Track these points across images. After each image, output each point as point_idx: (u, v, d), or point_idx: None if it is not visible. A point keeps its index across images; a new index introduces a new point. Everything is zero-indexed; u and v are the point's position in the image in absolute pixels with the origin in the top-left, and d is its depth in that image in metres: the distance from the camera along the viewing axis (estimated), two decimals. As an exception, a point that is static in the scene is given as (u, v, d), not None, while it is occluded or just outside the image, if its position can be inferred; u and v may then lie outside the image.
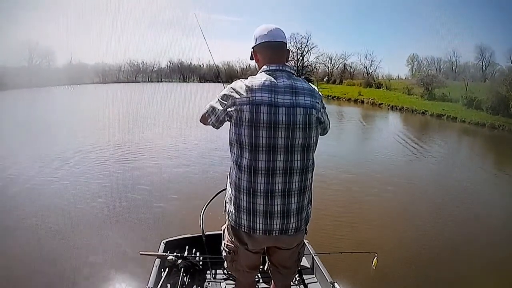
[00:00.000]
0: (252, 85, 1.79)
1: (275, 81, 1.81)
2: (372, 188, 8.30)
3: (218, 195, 2.89)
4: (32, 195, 7.46)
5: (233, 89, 1.82)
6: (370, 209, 7.19)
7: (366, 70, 59.20)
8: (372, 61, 59.02)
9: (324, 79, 60.10)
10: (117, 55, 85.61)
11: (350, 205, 7.26)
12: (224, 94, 1.87)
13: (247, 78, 1.86)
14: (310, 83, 1.94)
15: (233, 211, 1.90)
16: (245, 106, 1.76)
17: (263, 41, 1.93)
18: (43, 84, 47.88)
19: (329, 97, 41.71)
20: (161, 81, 76.24)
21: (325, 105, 1.98)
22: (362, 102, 36.98)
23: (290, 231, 1.89)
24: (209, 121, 1.98)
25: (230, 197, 1.93)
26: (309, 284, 2.99)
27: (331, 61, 66.19)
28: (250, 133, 1.77)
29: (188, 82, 77.29)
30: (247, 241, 1.95)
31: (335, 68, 66.02)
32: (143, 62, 75.81)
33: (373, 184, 8.63)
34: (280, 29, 1.98)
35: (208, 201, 3.00)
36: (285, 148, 1.78)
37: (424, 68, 49.04)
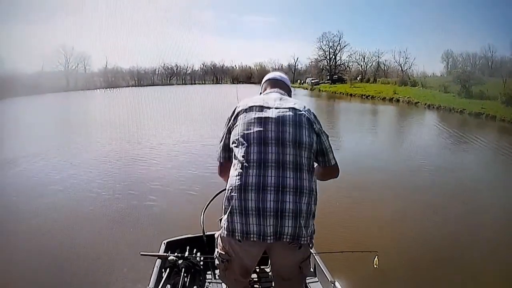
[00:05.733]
0: (249, 99, 2.02)
1: (269, 96, 2.09)
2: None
3: (219, 195, 2.87)
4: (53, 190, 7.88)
5: (238, 105, 2.03)
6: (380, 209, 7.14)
7: (401, 67, 57.99)
8: (406, 58, 57.81)
9: (358, 78, 59.27)
10: (151, 58, 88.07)
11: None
12: (228, 117, 2.04)
13: None
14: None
15: (226, 217, 1.86)
16: (241, 114, 1.96)
17: (268, 78, 2.34)
18: (80, 87, 49.75)
19: (363, 96, 41.10)
20: (195, 83, 77.66)
21: (321, 126, 2.01)
22: (398, 101, 35.88)
23: (285, 236, 1.78)
24: (218, 159, 2.09)
25: (224, 203, 1.91)
26: (309, 284, 2.96)
27: (364, 59, 65.37)
28: (242, 129, 1.89)
29: (221, 83, 78.28)
30: (240, 251, 1.91)
31: (368, 67, 65.09)
32: (176, 65, 77.74)
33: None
34: (284, 75, 2.40)
35: (209, 201, 3.00)
36: (276, 141, 1.84)
37: (460, 65, 47.53)
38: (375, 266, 2.76)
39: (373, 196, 7.82)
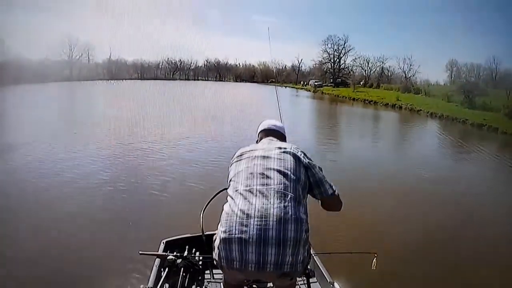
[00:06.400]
0: (245, 147, 2.23)
1: (260, 142, 2.35)
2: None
3: (218, 195, 2.87)
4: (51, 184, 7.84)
5: (234, 155, 2.23)
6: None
7: (405, 74, 57.98)
8: (410, 65, 57.81)
9: (361, 83, 59.20)
10: (155, 52, 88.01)
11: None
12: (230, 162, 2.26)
13: None
14: None
15: (217, 242, 1.91)
16: (235, 159, 2.19)
17: (263, 129, 2.49)
18: (83, 78, 49.73)
19: (366, 101, 41.09)
20: (198, 79, 77.66)
21: (311, 160, 2.12)
22: (400, 107, 35.87)
23: (268, 265, 1.78)
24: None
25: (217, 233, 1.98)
26: (308, 285, 2.93)
27: (368, 64, 65.33)
28: (234, 170, 2.11)
29: (224, 81, 78.28)
30: (228, 275, 2.04)
31: (372, 72, 65.04)
32: (180, 60, 77.79)
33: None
34: (278, 123, 2.55)
35: (208, 201, 2.98)
36: (261, 173, 1.97)
37: (464, 75, 47.63)
38: (373, 267, 2.76)
39: (373, 198, 7.88)
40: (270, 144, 2.19)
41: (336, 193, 2.11)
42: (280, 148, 2.10)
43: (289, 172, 1.96)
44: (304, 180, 2.01)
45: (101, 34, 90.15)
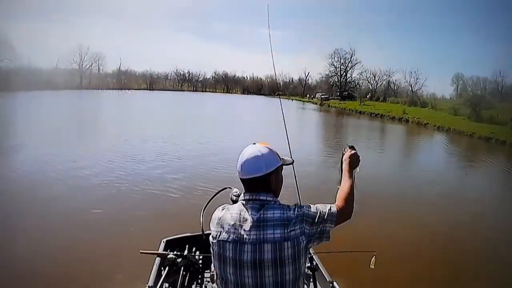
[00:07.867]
0: (222, 219, 1.74)
1: (245, 214, 1.71)
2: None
3: (219, 194, 2.87)
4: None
5: (212, 220, 1.80)
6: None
7: (411, 88, 58.01)
8: (417, 79, 57.92)
9: (367, 96, 59.19)
10: (164, 63, 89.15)
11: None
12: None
13: (224, 208, 1.81)
14: (283, 210, 1.70)
15: None
16: (215, 240, 1.72)
17: (238, 176, 1.82)
18: (93, 87, 50.28)
19: (372, 115, 41.05)
20: (206, 91, 78.23)
21: (316, 217, 1.72)
22: (407, 121, 35.76)
23: None
24: None
25: None
26: (308, 283, 2.92)
27: (374, 77, 65.40)
28: (219, 266, 1.72)
29: (231, 93, 78.76)
30: None
31: (378, 85, 65.11)
32: (189, 71, 78.71)
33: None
34: (256, 159, 1.76)
35: (208, 200, 2.96)
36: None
37: (469, 88, 47.62)
38: (372, 266, 2.74)
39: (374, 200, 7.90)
40: (260, 227, 1.66)
41: (334, 215, 1.77)
42: (274, 243, 1.64)
43: (286, 280, 1.66)
44: (304, 261, 1.73)
45: (111, 45, 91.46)
